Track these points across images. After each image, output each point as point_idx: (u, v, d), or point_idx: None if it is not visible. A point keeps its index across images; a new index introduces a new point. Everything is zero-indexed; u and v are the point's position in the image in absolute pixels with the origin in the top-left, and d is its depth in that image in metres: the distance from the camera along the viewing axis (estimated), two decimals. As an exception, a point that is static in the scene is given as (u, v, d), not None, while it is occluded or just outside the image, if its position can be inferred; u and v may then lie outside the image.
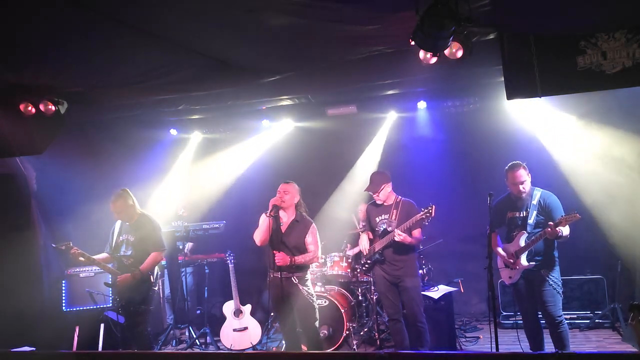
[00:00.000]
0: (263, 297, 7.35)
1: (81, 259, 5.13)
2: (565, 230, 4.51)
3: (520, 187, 4.73)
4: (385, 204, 5.35)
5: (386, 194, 5.32)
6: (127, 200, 5.33)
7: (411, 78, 5.95)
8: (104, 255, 5.41)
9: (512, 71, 4.45)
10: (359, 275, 6.56)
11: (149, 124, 7.46)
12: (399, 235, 5.03)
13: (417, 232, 5.21)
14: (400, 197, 5.38)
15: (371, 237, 5.48)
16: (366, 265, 5.51)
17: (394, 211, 5.27)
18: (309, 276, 5.07)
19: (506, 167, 4.84)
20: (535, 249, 4.70)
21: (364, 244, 5.46)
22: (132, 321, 5.25)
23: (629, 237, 6.44)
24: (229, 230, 7.41)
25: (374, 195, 5.36)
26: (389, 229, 5.20)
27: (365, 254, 5.46)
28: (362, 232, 5.68)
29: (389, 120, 7.51)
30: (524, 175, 4.72)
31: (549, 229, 4.47)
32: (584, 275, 6.60)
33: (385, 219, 5.32)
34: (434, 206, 4.95)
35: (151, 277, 5.31)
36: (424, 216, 4.98)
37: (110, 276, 5.30)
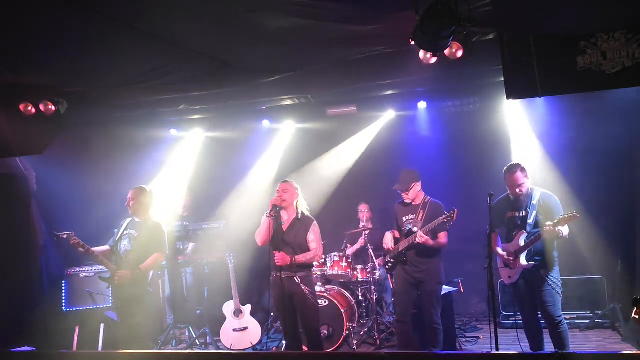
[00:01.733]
0: (263, 297, 7.35)
1: (80, 249, 5.10)
2: (564, 230, 4.51)
3: (517, 189, 4.73)
4: (414, 203, 5.30)
5: (415, 192, 5.27)
6: (145, 196, 5.34)
7: (411, 78, 5.95)
8: (104, 247, 5.37)
9: (512, 71, 4.45)
10: (359, 275, 6.56)
11: (149, 124, 7.45)
12: (421, 238, 5.00)
13: (442, 236, 5.12)
14: (429, 197, 5.32)
15: (397, 235, 5.43)
16: (389, 264, 5.45)
17: (421, 212, 5.22)
18: (312, 276, 5.05)
19: (504, 169, 4.85)
20: (535, 249, 4.70)
21: (387, 242, 5.39)
22: (127, 322, 5.23)
23: (628, 236, 6.46)
24: (229, 230, 7.41)
25: (403, 194, 5.28)
26: (414, 229, 5.15)
27: (389, 252, 5.41)
28: (388, 232, 5.58)
29: (385, 119, 7.50)
30: (521, 177, 4.71)
31: (547, 228, 4.47)
32: (584, 275, 6.60)
33: (411, 219, 5.26)
34: (456, 210, 4.92)
35: (147, 278, 5.30)
36: (445, 220, 4.95)
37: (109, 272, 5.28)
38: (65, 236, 5.09)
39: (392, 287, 6.06)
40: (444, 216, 4.97)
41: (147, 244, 5.25)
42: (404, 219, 5.34)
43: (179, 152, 8.18)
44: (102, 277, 5.34)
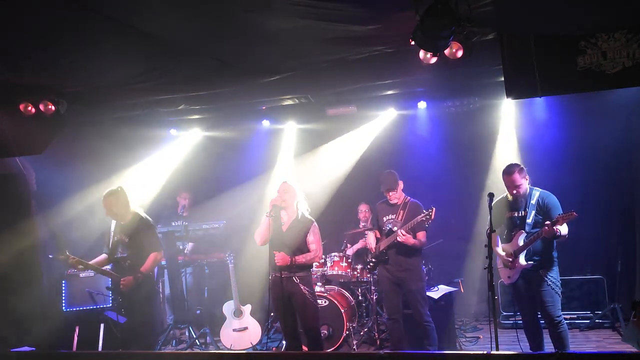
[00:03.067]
0: (263, 297, 7.34)
1: (80, 266, 5.07)
2: (562, 230, 4.51)
3: (515, 190, 4.74)
4: (397, 203, 5.36)
5: (400, 192, 5.36)
6: (119, 199, 5.16)
7: (411, 78, 5.95)
8: (102, 257, 5.32)
9: (512, 71, 4.45)
10: (359, 275, 6.56)
11: (149, 124, 7.45)
12: (402, 236, 5.06)
13: (421, 235, 5.20)
14: (409, 197, 5.39)
15: (378, 235, 5.49)
16: (371, 264, 5.54)
17: (401, 212, 5.30)
18: (311, 276, 5.06)
19: (503, 170, 4.84)
20: (534, 248, 4.70)
21: (370, 242, 5.48)
22: (136, 321, 5.19)
23: (628, 236, 6.46)
24: (229, 230, 7.41)
25: (390, 194, 5.34)
26: (394, 229, 5.22)
27: (372, 252, 5.48)
28: (368, 231, 5.68)
29: (387, 118, 7.48)
30: (519, 178, 4.71)
31: (546, 228, 4.47)
32: (584, 275, 6.60)
33: (391, 218, 5.34)
34: (434, 209, 4.98)
35: (153, 277, 5.29)
36: (424, 218, 5.00)
37: (110, 280, 5.26)
38: (62, 257, 4.99)
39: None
40: (422, 214, 5.02)
41: (141, 246, 5.16)
42: (385, 218, 5.41)
43: (179, 152, 8.18)
44: (108, 287, 5.28)
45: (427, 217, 4.98)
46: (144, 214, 5.32)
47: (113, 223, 5.36)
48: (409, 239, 5.09)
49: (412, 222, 5.09)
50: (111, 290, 5.23)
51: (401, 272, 5.24)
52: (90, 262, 5.14)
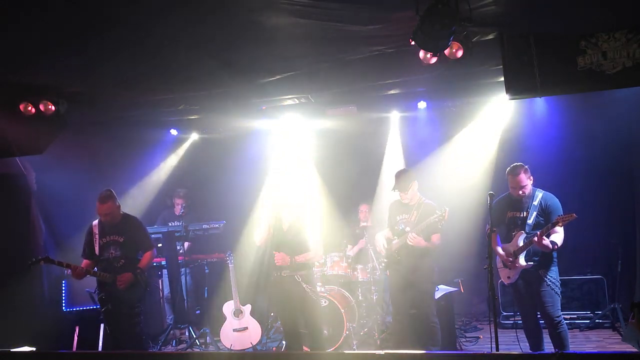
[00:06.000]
0: (263, 297, 7.35)
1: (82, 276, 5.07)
2: (558, 239, 4.50)
3: (520, 191, 4.72)
4: (410, 203, 5.27)
5: (413, 192, 5.24)
6: (115, 201, 5.19)
7: (411, 78, 5.95)
8: (86, 262, 5.25)
9: (512, 71, 4.45)
10: (359, 275, 6.56)
11: (149, 124, 7.45)
12: (413, 239, 5.00)
13: (435, 238, 5.09)
14: (423, 198, 5.29)
15: (389, 235, 5.42)
16: (382, 264, 5.46)
17: (415, 212, 5.19)
18: (313, 275, 5.04)
19: (507, 170, 4.83)
20: (534, 249, 4.69)
21: (379, 243, 5.40)
22: (128, 322, 5.17)
23: (628, 236, 6.46)
24: (229, 230, 7.41)
25: (401, 194, 5.23)
26: (407, 229, 5.15)
27: (382, 253, 5.42)
28: (378, 232, 5.60)
29: (393, 120, 7.50)
30: (525, 179, 4.69)
31: (535, 239, 4.46)
32: (584, 275, 6.60)
33: (405, 218, 5.25)
34: (447, 210, 4.90)
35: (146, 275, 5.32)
36: (436, 219, 4.92)
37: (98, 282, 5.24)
38: (42, 262, 5.01)
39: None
40: (435, 215, 4.94)
41: (136, 245, 5.25)
42: (398, 218, 5.33)
43: (179, 152, 8.18)
44: (96, 289, 5.26)
45: (440, 218, 4.90)
46: (132, 214, 5.44)
47: (96, 225, 5.31)
48: (420, 242, 5.02)
49: (424, 224, 5.00)
50: (99, 292, 5.21)
51: (412, 273, 5.17)
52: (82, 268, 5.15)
